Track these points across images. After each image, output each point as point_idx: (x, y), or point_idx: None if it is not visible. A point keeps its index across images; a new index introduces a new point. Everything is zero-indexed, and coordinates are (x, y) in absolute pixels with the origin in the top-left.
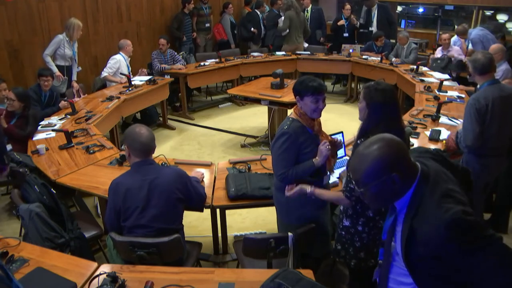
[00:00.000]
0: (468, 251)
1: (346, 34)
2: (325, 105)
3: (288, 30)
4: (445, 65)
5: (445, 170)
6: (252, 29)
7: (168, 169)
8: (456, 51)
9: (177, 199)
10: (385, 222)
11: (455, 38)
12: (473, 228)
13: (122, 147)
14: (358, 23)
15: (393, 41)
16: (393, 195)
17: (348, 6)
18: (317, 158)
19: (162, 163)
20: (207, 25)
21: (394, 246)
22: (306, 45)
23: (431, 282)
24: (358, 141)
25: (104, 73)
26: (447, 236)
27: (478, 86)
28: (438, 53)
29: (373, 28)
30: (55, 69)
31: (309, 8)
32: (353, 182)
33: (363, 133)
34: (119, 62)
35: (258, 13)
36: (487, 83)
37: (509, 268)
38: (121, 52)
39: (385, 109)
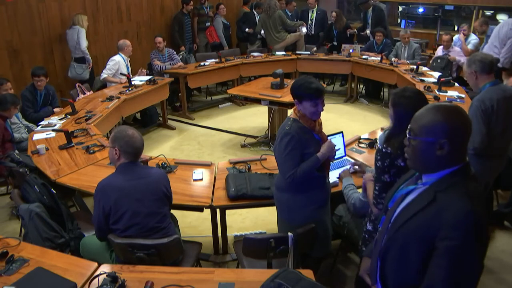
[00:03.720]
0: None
1: (335, 43)
2: (323, 105)
3: (263, 32)
4: (445, 65)
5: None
6: (247, 29)
7: (154, 169)
8: (456, 52)
9: (165, 196)
10: (396, 193)
11: (455, 38)
12: (483, 233)
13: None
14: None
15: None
16: (431, 162)
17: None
18: (321, 151)
19: (162, 163)
20: (208, 24)
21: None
22: (303, 30)
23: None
24: (380, 146)
25: (104, 75)
26: (463, 225)
27: (480, 87)
28: (439, 52)
29: (368, 31)
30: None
31: (314, 9)
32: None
33: (387, 138)
34: (118, 63)
35: (256, 13)
36: (489, 84)
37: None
38: (120, 53)
39: (409, 116)
